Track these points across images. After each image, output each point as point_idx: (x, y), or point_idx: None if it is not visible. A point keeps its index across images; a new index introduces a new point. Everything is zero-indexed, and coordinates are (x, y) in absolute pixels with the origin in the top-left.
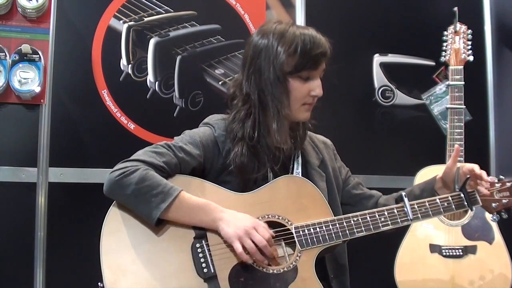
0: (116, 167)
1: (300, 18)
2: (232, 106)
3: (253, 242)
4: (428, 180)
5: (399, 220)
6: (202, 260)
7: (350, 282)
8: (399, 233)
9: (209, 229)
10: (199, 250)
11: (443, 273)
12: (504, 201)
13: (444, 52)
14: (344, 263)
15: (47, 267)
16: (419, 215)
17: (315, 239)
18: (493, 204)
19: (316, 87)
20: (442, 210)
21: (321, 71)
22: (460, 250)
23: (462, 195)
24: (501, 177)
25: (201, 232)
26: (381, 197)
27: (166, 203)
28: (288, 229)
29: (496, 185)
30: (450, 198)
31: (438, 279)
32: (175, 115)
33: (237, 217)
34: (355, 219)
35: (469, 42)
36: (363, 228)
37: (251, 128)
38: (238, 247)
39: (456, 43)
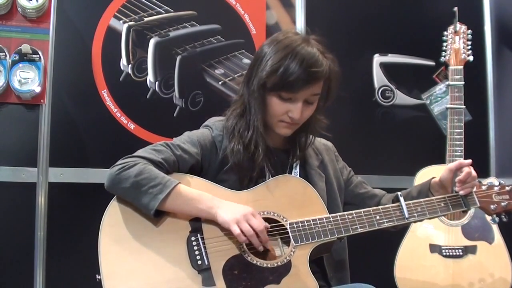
0: (116, 163)
1: (300, 18)
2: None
3: (251, 226)
4: (424, 182)
5: (394, 219)
6: (196, 252)
7: (350, 280)
8: (399, 233)
9: (205, 223)
10: (194, 243)
11: (443, 273)
12: (503, 203)
13: (444, 52)
14: (344, 259)
15: (47, 267)
16: (415, 214)
17: (309, 235)
18: (492, 206)
19: (293, 110)
20: (438, 210)
21: (309, 95)
22: (460, 250)
23: (459, 195)
24: (502, 182)
25: (197, 226)
26: (384, 196)
27: (164, 194)
28: (283, 225)
29: (495, 188)
30: (447, 198)
31: (438, 279)
32: (175, 115)
33: (234, 205)
34: (350, 216)
35: (469, 42)
36: (358, 226)
37: (243, 129)
38: (235, 230)
39: (456, 43)
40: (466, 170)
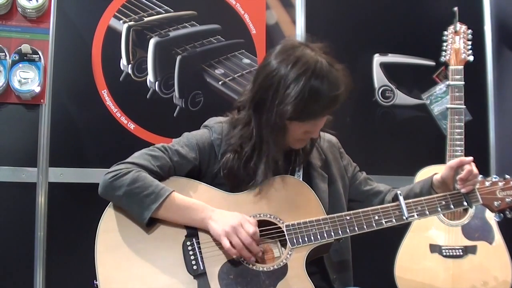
0: (110, 169)
1: (300, 18)
2: (236, 115)
3: (240, 239)
4: (426, 179)
5: (393, 219)
6: (192, 257)
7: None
8: (399, 233)
9: (200, 228)
10: (189, 248)
11: (443, 273)
12: (507, 199)
13: (444, 52)
14: (347, 259)
15: (47, 267)
16: (415, 213)
17: (306, 237)
18: (495, 203)
19: (313, 131)
20: (439, 208)
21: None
22: (460, 250)
23: (461, 193)
24: (507, 176)
25: (193, 231)
26: (389, 192)
27: (156, 204)
28: (280, 228)
29: (500, 183)
30: (448, 196)
31: (438, 279)
32: (175, 115)
33: (225, 215)
34: (348, 217)
35: (469, 42)
36: (355, 227)
37: (249, 151)
38: (225, 243)
39: (456, 43)
40: (467, 168)
